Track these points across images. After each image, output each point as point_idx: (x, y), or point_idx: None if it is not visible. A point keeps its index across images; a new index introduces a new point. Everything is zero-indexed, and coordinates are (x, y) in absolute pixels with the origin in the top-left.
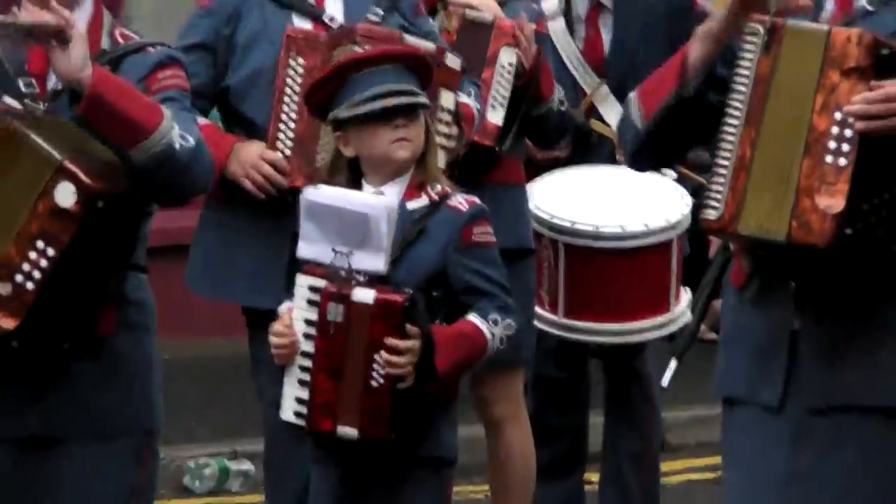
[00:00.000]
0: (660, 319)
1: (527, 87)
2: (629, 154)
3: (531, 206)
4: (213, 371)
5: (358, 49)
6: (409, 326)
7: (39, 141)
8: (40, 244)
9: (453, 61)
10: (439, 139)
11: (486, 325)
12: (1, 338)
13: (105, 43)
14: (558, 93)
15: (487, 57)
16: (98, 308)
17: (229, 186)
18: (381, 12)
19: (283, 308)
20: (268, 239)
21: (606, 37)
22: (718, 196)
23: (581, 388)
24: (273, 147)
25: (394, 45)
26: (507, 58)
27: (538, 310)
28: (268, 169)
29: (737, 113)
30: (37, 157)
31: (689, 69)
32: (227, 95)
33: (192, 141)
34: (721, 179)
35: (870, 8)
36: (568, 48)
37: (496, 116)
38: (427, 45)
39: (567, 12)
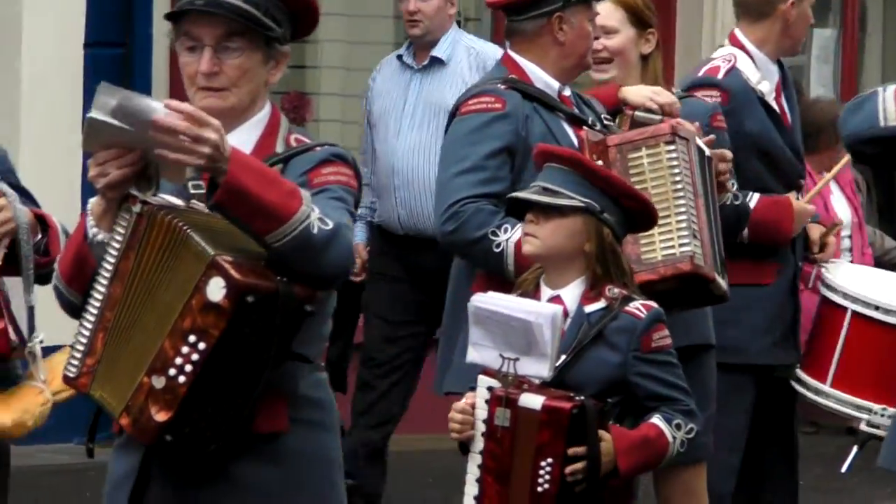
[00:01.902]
0: None
1: None
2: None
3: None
4: None
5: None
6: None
7: (195, 237)
8: (192, 338)
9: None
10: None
11: (669, 429)
12: (155, 432)
13: (279, 147)
14: (731, 186)
15: None
16: (255, 405)
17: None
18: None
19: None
20: None
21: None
22: None
23: None
24: None
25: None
26: None
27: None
28: None
29: None
30: (193, 252)
31: None
32: None
33: (330, 225)
34: None
35: None
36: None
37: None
38: (714, 151)
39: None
